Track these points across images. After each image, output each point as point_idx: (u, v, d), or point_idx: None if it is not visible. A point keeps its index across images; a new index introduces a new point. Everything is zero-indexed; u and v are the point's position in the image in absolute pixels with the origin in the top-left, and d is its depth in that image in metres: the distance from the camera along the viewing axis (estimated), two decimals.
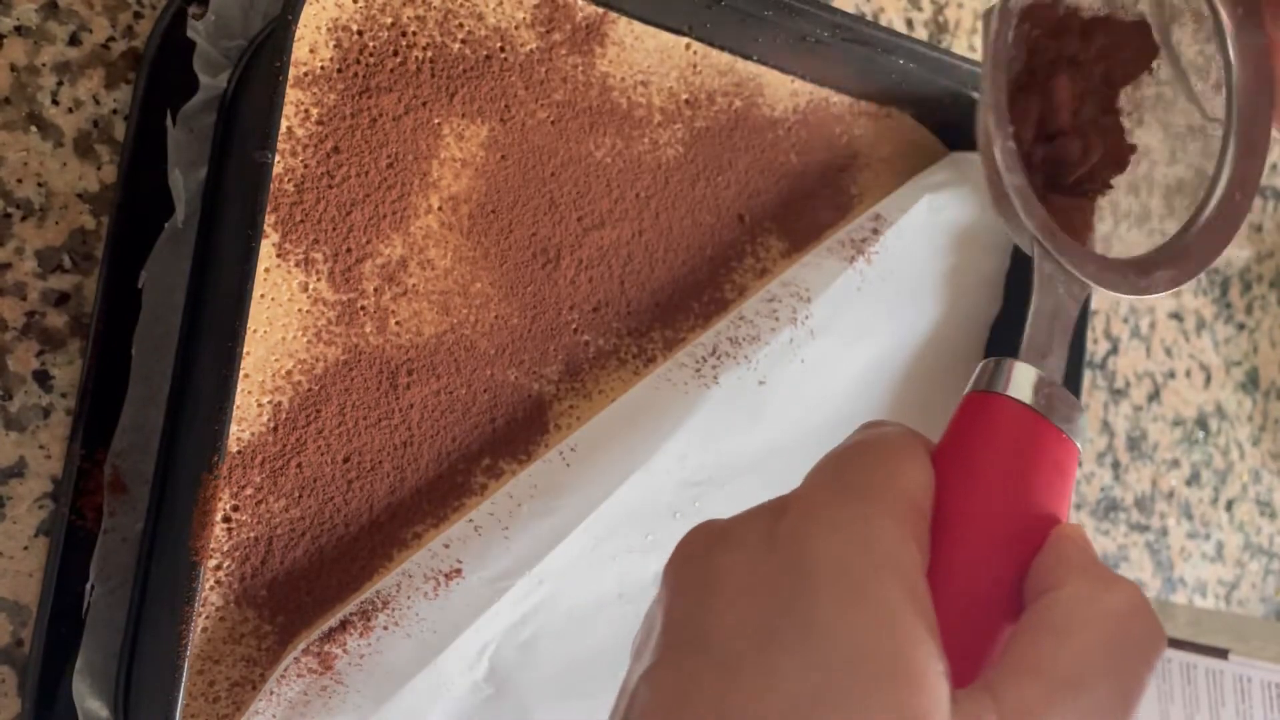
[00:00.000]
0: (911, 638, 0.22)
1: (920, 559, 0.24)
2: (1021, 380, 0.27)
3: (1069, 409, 0.27)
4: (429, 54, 0.36)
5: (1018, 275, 0.47)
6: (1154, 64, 0.33)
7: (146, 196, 0.36)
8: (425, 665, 0.34)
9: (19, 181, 0.35)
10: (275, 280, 0.34)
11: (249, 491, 0.34)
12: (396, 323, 0.36)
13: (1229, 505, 0.67)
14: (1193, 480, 0.65)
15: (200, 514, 0.31)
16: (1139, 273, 0.31)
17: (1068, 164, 0.31)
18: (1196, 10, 0.32)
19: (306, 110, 0.34)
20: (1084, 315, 0.48)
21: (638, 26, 0.40)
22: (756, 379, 0.40)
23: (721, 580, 0.23)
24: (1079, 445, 0.27)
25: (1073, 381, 0.47)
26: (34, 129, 0.35)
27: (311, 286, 0.34)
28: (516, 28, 0.38)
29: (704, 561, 0.24)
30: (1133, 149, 0.33)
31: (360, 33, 0.35)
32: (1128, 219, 0.32)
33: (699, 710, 0.22)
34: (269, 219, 0.33)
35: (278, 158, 0.33)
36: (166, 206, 0.35)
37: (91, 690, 0.34)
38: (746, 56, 0.42)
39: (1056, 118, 0.31)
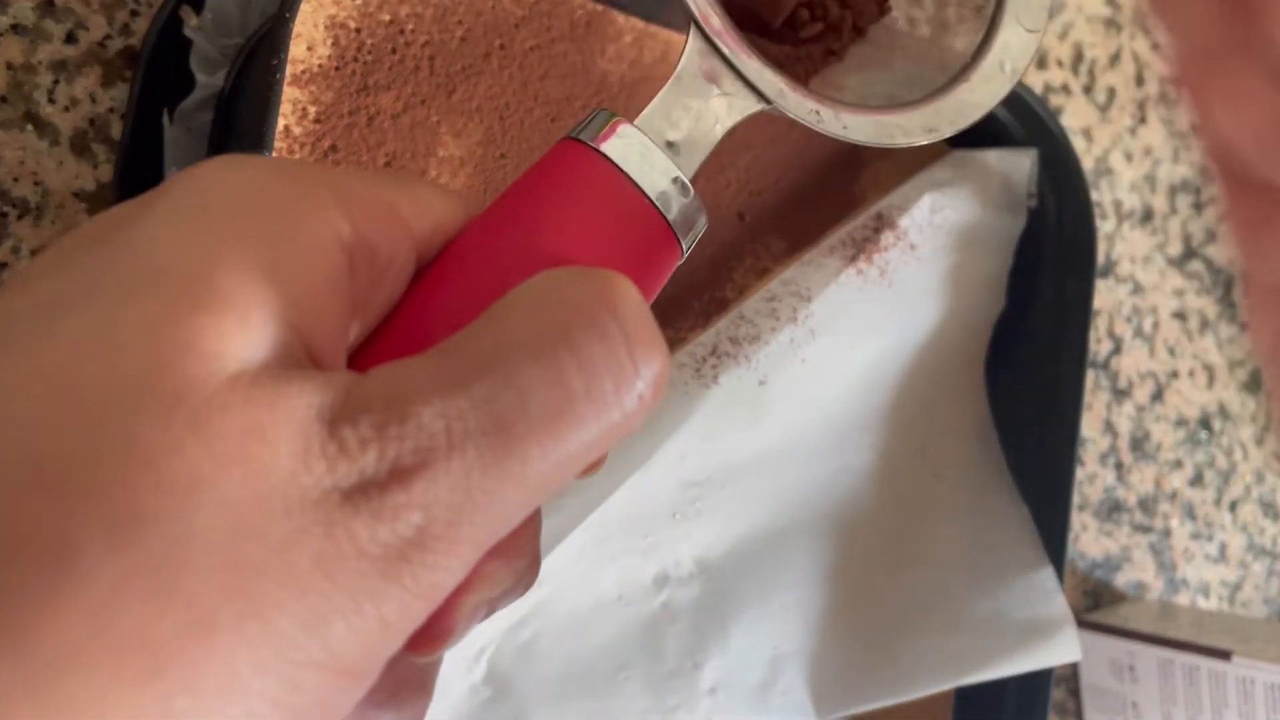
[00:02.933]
0: (230, 261, 0.18)
1: (338, 231, 0.19)
2: (617, 136, 0.23)
3: (655, 165, 0.23)
4: (427, 51, 0.36)
5: (1019, 275, 0.47)
6: None
7: None
8: None
9: (15, 180, 0.35)
10: None
11: None
12: None
13: (1232, 506, 0.67)
14: (1196, 481, 0.65)
15: None
16: (843, 110, 0.26)
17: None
18: None
19: (304, 108, 0.34)
20: (1085, 313, 0.47)
21: (637, 24, 0.40)
22: (757, 379, 0.40)
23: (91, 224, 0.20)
24: (665, 215, 0.23)
25: (1075, 381, 0.47)
26: (30, 127, 0.35)
27: None
28: (515, 25, 0.38)
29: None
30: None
31: (358, 30, 0.35)
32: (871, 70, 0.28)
33: None
34: None
35: (275, 156, 0.33)
36: None
37: None
38: None
39: None
